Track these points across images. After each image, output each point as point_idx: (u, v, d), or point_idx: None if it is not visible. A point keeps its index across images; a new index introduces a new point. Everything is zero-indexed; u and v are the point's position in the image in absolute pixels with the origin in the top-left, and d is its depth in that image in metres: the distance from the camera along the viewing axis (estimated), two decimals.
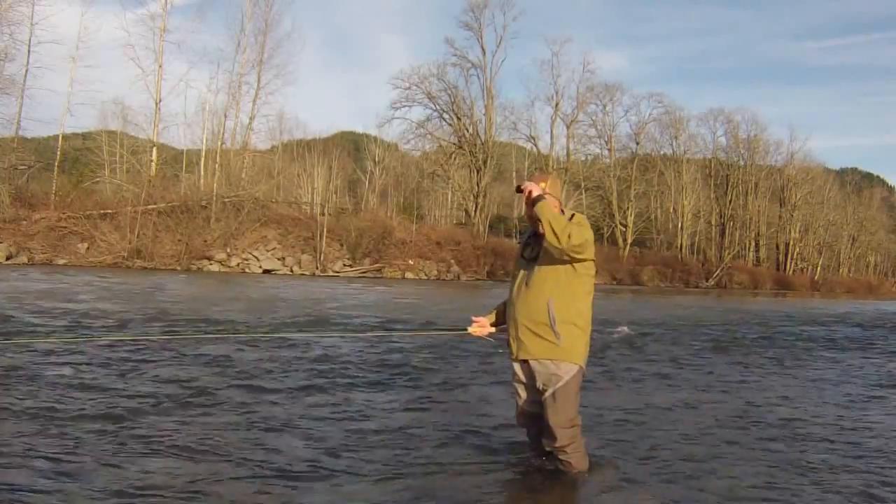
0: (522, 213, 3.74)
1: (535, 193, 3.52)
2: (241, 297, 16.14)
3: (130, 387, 5.37)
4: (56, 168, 34.94)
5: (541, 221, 3.40)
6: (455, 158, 47.32)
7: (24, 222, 28.90)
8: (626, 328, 11.65)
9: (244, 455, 3.80)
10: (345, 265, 34.90)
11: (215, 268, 30.44)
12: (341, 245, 35.57)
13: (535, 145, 52.67)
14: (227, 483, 3.37)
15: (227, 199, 33.10)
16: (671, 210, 57.95)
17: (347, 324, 11.25)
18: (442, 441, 4.30)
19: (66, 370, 5.87)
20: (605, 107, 55.14)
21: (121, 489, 3.20)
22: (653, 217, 56.44)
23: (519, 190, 3.66)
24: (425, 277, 36.23)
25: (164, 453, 3.77)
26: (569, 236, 3.35)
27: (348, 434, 4.37)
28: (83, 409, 4.61)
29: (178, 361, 6.64)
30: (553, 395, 3.56)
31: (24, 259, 27.20)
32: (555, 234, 3.35)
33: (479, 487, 3.48)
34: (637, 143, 56.66)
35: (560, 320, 3.52)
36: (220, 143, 37.03)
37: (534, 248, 3.67)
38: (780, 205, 65.20)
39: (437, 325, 11.78)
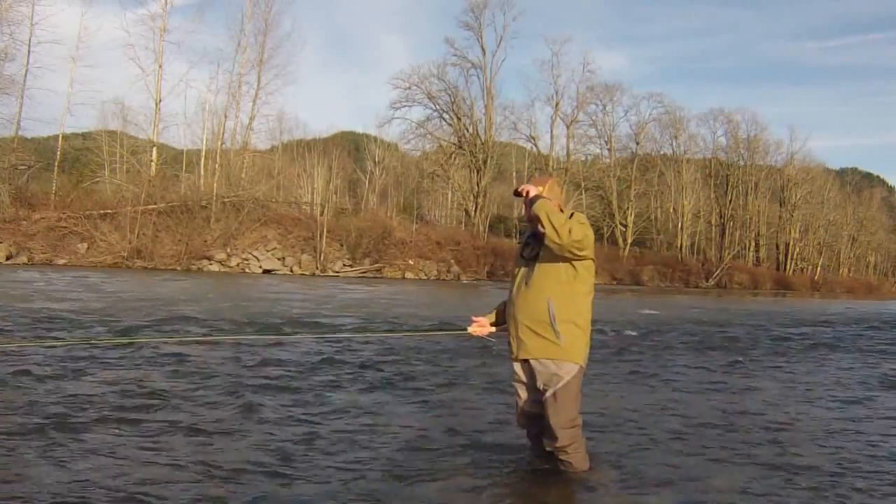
0: (522, 213, 3.73)
1: (532, 193, 3.53)
2: (217, 296, 15.95)
3: (77, 388, 5.23)
4: (56, 168, 35.00)
5: (540, 219, 3.40)
6: (455, 158, 47.34)
7: (24, 222, 28.92)
8: (629, 330, 11.60)
9: (192, 458, 3.68)
10: (345, 265, 34.91)
11: (215, 268, 30.45)
12: (341, 245, 35.59)
13: (535, 145, 52.76)
14: (173, 487, 3.25)
15: (227, 199, 33.12)
16: (671, 210, 57.94)
17: (328, 325, 10.96)
18: (435, 443, 4.25)
19: (12, 370, 5.70)
20: (605, 107, 55.20)
21: (61, 493, 3.12)
22: (653, 217, 56.44)
23: (517, 193, 3.66)
24: (425, 277, 36.24)
25: (108, 456, 3.67)
26: (569, 231, 3.34)
27: (310, 436, 4.23)
28: (28, 410, 4.51)
29: (130, 362, 6.41)
30: (554, 395, 3.56)
31: (24, 259, 27.21)
32: (555, 229, 3.34)
33: (476, 489, 3.47)
34: (637, 143, 56.68)
35: (560, 319, 3.52)
36: (220, 143, 37.06)
37: (533, 248, 3.67)
38: (780, 205, 65.21)
39: (409, 325, 11.69)
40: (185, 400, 5.05)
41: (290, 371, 6.43)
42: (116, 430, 4.16)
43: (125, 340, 7.59)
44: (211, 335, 8.76)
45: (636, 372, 7.42)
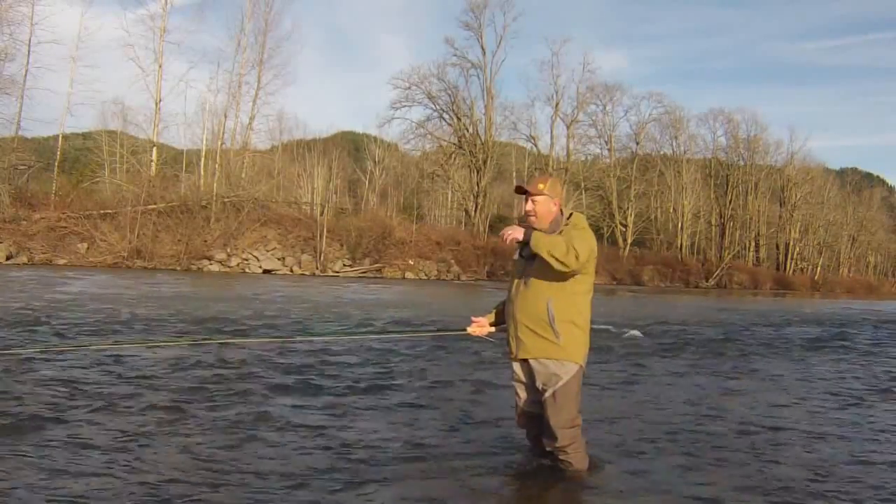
0: (522, 212, 3.72)
1: (518, 238, 3.47)
2: (189, 296, 15.67)
3: (4, 390, 4.99)
4: (56, 168, 34.95)
5: (543, 255, 3.38)
6: (455, 158, 47.33)
7: (24, 222, 28.91)
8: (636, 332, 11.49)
9: (125, 464, 3.55)
10: (345, 265, 34.91)
11: (215, 268, 30.44)
12: (341, 245, 35.59)
13: (535, 145, 52.75)
14: (101, 495, 3.12)
15: (227, 199, 33.11)
16: (671, 210, 57.93)
17: (306, 327, 10.74)
18: (430, 444, 4.22)
19: None
20: (605, 107, 55.19)
21: None
22: (653, 217, 56.44)
23: (517, 191, 3.67)
24: (425, 277, 36.25)
25: (36, 461, 3.52)
26: (576, 257, 3.35)
27: (246, 442, 4.09)
28: None
29: (63, 365, 6.12)
30: (553, 394, 3.56)
31: (24, 259, 27.21)
32: (560, 261, 3.35)
33: (475, 489, 3.46)
34: (637, 143, 56.68)
35: (559, 319, 3.51)
36: (220, 143, 37.05)
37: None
38: (780, 205, 65.18)
39: (399, 326, 11.68)
40: (119, 404, 4.82)
41: (237, 374, 6.13)
42: (43, 435, 3.99)
43: (141, 344, 7.55)
44: (149, 338, 8.13)
45: (609, 373, 7.26)
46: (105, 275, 22.21)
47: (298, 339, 8.59)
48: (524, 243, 3.71)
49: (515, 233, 3.46)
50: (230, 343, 7.89)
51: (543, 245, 3.37)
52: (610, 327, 12.02)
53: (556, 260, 3.34)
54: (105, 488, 3.22)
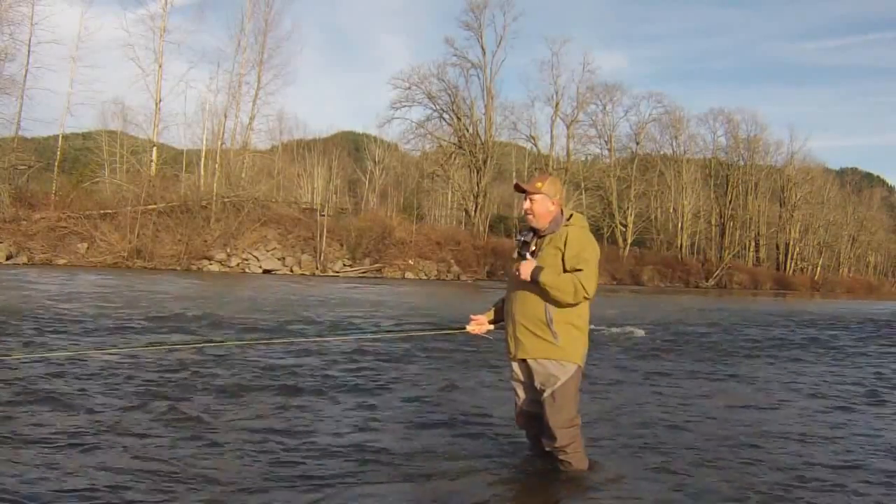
0: (522, 212, 3.72)
1: (524, 276, 3.52)
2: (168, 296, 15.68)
3: None
4: (56, 168, 34.94)
5: (552, 294, 3.47)
6: (455, 158, 47.36)
7: (24, 222, 28.91)
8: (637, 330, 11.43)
9: (78, 467, 3.43)
10: (345, 265, 34.91)
11: (215, 268, 30.44)
12: (341, 245, 35.60)
13: (535, 145, 52.77)
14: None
15: (227, 199, 33.13)
16: (671, 210, 57.97)
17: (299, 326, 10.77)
18: (427, 444, 4.19)
19: None
20: (605, 107, 55.23)
21: None
22: (653, 217, 56.46)
23: (516, 189, 3.67)
24: (425, 277, 36.26)
25: None
26: (584, 296, 3.44)
27: (209, 446, 3.93)
28: None
29: (14, 365, 5.87)
30: (552, 395, 3.55)
31: (24, 259, 27.21)
32: (568, 303, 3.46)
33: (475, 490, 3.44)
34: (637, 143, 56.73)
35: (558, 320, 3.51)
36: (220, 143, 37.06)
37: (530, 245, 3.66)
38: (780, 205, 65.22)
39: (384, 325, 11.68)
40: (66, 406, 4.64)
41: (193, 377, 5.89)
42: None
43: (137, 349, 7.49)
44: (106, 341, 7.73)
45: (605, 374, 7.17)
46: (95, 275, 21.99)
47: (277, 340, 8.44)
48: (523, 242, 3.71)
49: (524, 274, 3.51)
50: (193, 346, 7.53)
51: (550, 287, 3.45)
52: (603, 328, 12.01)
53: (567, 301, 3.46)
54: (45, 493, 3.09)
